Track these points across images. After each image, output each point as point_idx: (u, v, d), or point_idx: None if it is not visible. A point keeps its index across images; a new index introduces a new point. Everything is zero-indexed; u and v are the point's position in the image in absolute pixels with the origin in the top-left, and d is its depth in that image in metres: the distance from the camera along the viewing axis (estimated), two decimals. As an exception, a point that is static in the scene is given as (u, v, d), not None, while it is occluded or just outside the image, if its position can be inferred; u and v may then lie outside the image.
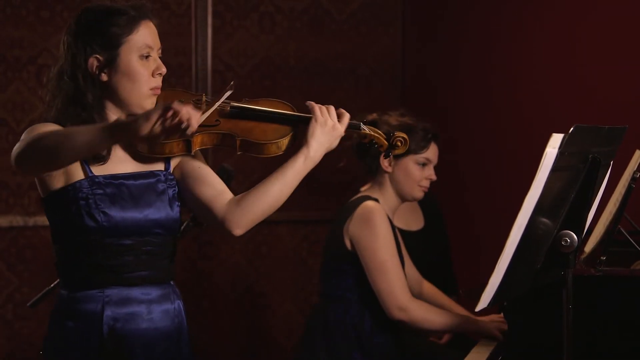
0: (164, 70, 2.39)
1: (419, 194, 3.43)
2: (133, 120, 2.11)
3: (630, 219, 3.04)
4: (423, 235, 3.86)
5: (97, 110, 2.36)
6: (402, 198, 3.42)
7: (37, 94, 4.63)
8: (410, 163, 3.38)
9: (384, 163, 3.36)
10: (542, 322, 2.62)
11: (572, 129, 2.15)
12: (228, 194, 2.46)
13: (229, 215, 2.42)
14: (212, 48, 4.86)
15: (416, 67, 5.16)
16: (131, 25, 2.36)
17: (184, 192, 2.46)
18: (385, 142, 2.62)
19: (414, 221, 3.88)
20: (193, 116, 2.11)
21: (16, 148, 2.24)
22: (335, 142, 2.49)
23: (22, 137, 2.29)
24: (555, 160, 2.13)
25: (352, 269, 3.31)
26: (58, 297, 2.45)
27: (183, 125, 2.11)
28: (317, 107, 2.48)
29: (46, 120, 2.37)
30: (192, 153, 2.42)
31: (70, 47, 2.36)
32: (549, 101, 4.41)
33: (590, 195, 2.29)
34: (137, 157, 2.43)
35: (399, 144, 2.63)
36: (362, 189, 3.45)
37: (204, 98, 2.47)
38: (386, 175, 3.39)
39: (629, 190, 2.79)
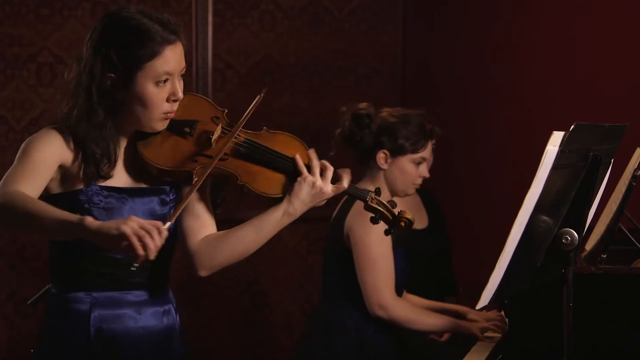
0: (180, 96, 2.31)
1: (412, 191, 3.43)
2: (103, 232, 2.03)
3: (631, 217, 3.03)
4: (426, 234, 3.87)
5: (107, 126, 2.31)
6: (394, 194, 3.40)
7: (36, 91, 4.63)
8: (406, 162, 3.37)
9: (380, 160, 3.36)
10: (542, 320, 2.62)
11: (572, 127, 2.14)
12: (209, 230, 2.41)
13: (197, 255, 2.40)
14: (213, 46, 4.85)
15: (416, 65, 5.15)
16: (155, 50, 2.25)
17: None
18: (390, 218, 2.50)
19: (418, 220, 3.88)
20: (151, 253, 2.03)
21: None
22: (320, 203, 2.42)
23: (15, 162, 2.23)
24: (555, 158, 2.13)
25: (354, 267, 3.28)
26: (49, 295, 2.44)
27: (140, 256, 2.04)
28: (316, 169, 2.38)
29: (55, 122, 2.33)
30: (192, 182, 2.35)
31: (90, 59, 2.30)
32: (550, 99, 4.41)
33: (591, 193, 2.29)
34: (144, 172, 2.38)
35: (403, 224, 2.49)
36: (357, 185, 3.38)
37: (224, 119, 2.42)
38: (380, 170, 3.38)
39: (629, 188, 2.79)
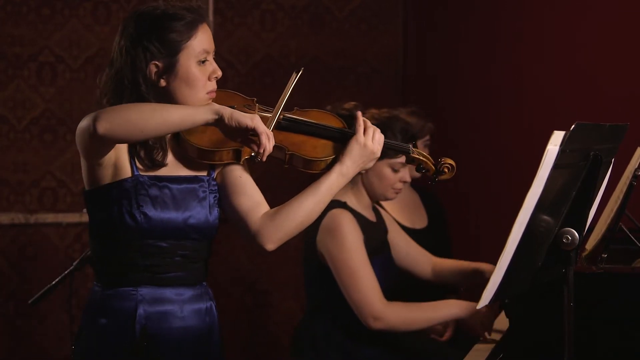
0: (219, 73, 2.40)
1: (392, 195, 3.30)
2: (236, 116, 2.24)
3: (632, 217, 3.03)
4: (426, 234, 3.87)
5: None
6: (373, 198, 3.31)
7: (37, 91, 4.63)
8: (384, 167, 3.23)
9: None
10: (543, 319, 2.62)
11: (573, 126, 2.15)
12: (264, 207, 2.47)
13: (262, 230, 2.44)
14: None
15: (417, 65, 5.16)
16: (189, 30, 2.36)
17: (223, 199, 2.46)
18: (433, 167, 2.65)
19: (418, 219, 3.89)
20: (268, 151, 2.28)
21: (96, 113, 2.20)
22: (369, 164, 2.53)
23: (87, 116, 2.24)
24: (556, 157, 2.13)
25: (333, 278, 3.18)
26: (91, 293, 2.45)
27: (255, 153, 2.29)
28: (361, 128, 2.50)
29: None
30: (241, 162, 2.44)
31: (129, 52, 2.34)
32: (550, 99, 4.41)
33: (592, 192, 2.29)
34: (183, 160, 2.43)
35: (446, 170, 2.66)
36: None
37: (256, 105, 2.49)
38: (358, 175, 3.29)
39: (630, 188, 2.79)
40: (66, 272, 3.21)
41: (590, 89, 4.20)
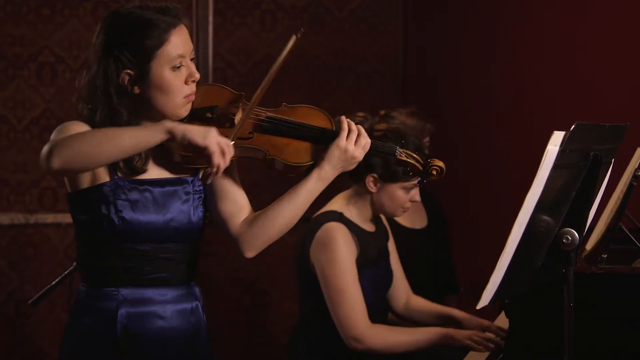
0: (197, 76, 2.35)
1: (400, 214, 3.26)
2: (188, 135, 2.21)
3: (632, 217, 3.03)
4: (426, 234, 3.87)
5: (132, 124, 2.33)
6: (380, 213, 3.27)
7: (37, 91, 4.64)
8: (397, 189, 3.17)
9: (369, 183, 3.15)
10: (543, 320, 2.62)
11: (573, 126, 2.15)
12: (246, 212, 2.45)
13: (241, 238, 2.43)
14: (213, 46, 4.86)
15: (417, 65, 5.16)
16: (162, 36, 2.30)
17: (208, 201, 2.45)
18: (421, 169, 2.52)
19: (418, 220, 3.88)
20: (221, 169, 2.24)
21: (50, 146, 2.20)
22: (350, 167, 2.45)
23: (53, 136, 2.27)
24: (556, 158, 2.13)
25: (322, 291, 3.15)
26: (77, 293, 2.45)
27: (207, 171, 2.26)
28: (344, 132, 2.42)
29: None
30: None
31: (101, 61, 2.32)
32: (550, 99, 4.41)
33: (592, 193, 2.30)
34: (167, 162, 2.40)
35: (434, 172, 2.50)
36: (341, 194, 3.25)
37: (242, 101, 2.44)
38: (368, 194, 3.18)
39: (630, 188, 2.79)
40: (66, 272, 3.21)
41: (590, 89, 4.20)
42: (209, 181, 2.31)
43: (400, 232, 3.63)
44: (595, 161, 2.25)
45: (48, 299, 3.29)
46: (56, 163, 2.17)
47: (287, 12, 4.99)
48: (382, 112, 3.51)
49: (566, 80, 4.34)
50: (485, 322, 3.17)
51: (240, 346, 4.97)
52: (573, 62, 4.32)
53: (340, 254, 3.08)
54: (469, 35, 4.91)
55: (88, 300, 2.39)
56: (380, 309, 3.30)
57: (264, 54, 4.95)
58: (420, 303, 3.44)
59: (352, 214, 3.19)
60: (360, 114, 3.21)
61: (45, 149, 2.20)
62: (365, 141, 2.43)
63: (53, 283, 3.20)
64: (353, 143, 2.42)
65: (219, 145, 2.23)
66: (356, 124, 3.05)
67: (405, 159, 2.52)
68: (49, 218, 4.67)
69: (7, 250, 4.62)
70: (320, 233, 3.11)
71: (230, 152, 2.25)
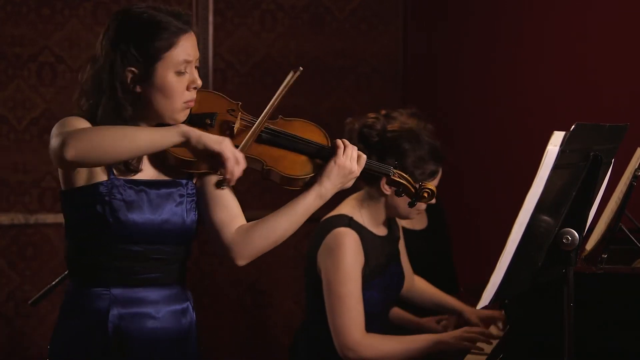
0: (199, 83, 2.37)
1: (414, 217, 3.26)
2: (203, 140, 2.24)
3: (632, 217, 3.03)
4: (426, 235, 3.88)
5: (133, 122, 2.34)
6: (394, 217, 3.25)
7: (37, 91, 4.63)
8: None
9: (384, 186, 3.08)
10: (543, 320, 2.62)
11: (573, 127, 2.15)
12: (239, 221, 2.45)
13: (234, 246, 2.43)
14: (213, 46, 4.86)
15: (417, 65, 5.16)
16: (172, 40, 2.32)
17: (200, 207, 2.45)
18: (413, 191, 2.58)
19: (418, 220, 3.88)
20: (235, 176, 2.26)
21: (62, 138, 2.18)
22: (348, 184, 2.50)
23: (57, 130, 2.25)
24: (556, 158, 2.13)
25: None
26: (66, 291, 2.45)
27: (222, 178, 2.27)
28: (340, 149, 2.46)
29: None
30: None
31: (109, 55, 2.33)
32: (550, 99, 4.41)
33: (592, 193, 2.30)
34: (162, 164, 2.41)
35: (426, 195, 2.58)
36: (352, 197, 3.21)
37: (240, 111, 2.46)
38: (382, 196, 3.14)
39: (630, 188, 2.80)
40: (66, 272, 3.21)
41: (590, 89, 4.20)
42: (224, 187, 2.32)
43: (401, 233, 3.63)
44: (595, 161, 2.26)
45: (48, 299, 3.28)
46: (70, 154, 2.16)
47: (287, 12, 4.99)
48: (383, 112, 3.51)
49: (566, 80, 4.34)
50: (492, 313, 3.20)
51: (241, 346, 4.97)
52: (573, 62, 4.32)
53: (346, 261, 3.05)
54: (469, 35, 4.91)
55: (78, 299, 2.39)
56: (386, 320, 3.31)
57: (264, 54, 4.95)
58: (423, 287, 3.46)
59: (363, 217, 3.16)
60: (372, 114, 3.19)
61: (57, 140, 2.19)
62: (361, 157, 2.49)
63: (53, 283, 3.19)
64: (349, 159, 2.46)
65: (233, 153, 2.26)
66: (368, 125, 3.08)
67: (398, 179, 2.58)
68: (49, 218, 4.67)
69: (7, 250, 4.62)
70: (329, 238, 3.09)
71: (243, 163, 2.28)
